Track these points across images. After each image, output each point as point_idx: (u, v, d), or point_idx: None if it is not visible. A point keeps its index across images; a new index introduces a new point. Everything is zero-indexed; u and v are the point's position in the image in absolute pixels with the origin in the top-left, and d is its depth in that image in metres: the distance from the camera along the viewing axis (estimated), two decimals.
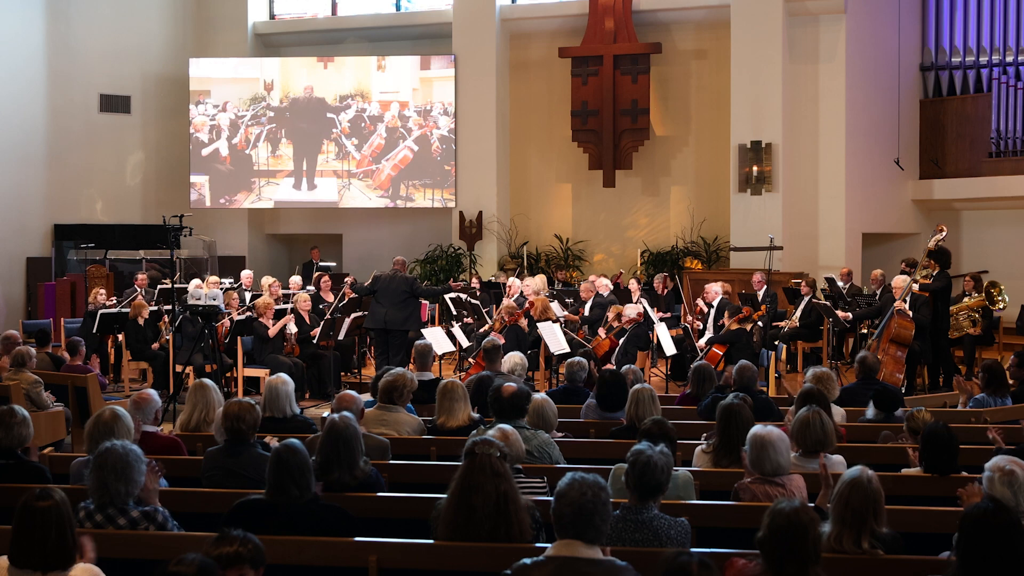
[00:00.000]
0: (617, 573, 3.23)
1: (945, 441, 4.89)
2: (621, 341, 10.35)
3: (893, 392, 6.91)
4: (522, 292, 11.92)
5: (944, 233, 10.49)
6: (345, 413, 4.75)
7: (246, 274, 13.36)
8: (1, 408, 4.94)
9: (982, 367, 7.62)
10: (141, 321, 11.13)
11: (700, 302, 11.71)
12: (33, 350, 8.59)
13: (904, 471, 5.07)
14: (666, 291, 13.18)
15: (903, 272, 10.68)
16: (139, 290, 12.39)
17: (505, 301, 11.30)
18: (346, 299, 11.78)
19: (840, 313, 11.00)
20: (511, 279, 12.99)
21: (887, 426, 6.20)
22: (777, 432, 4.65)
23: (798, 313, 11.93)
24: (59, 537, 3.31)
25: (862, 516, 3.74)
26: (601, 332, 10.81)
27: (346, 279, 12.46)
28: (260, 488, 4.33)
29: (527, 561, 3.31)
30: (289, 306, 10.98)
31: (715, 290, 11.47)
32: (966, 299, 11.49)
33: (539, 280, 12.77)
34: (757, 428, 4.70)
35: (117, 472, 3.95)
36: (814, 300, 12.06)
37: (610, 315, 10.69)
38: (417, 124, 16.35)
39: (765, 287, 12.13)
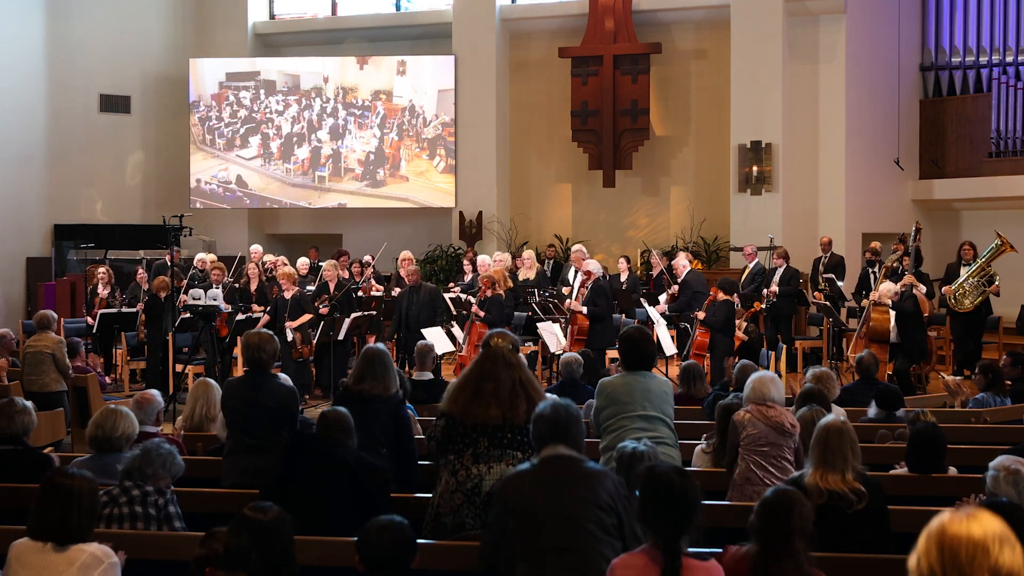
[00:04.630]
0: (598, 472, 3.61)
1: (932, 440, 4.90)
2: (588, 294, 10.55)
3: (895, 391, 6.92)
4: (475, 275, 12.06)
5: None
6: (379, 345, 5.16)
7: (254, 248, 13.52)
8: (1, 400, 5.14)
9: (980, 368, 7.65)
10: (162, 297, 11.14)
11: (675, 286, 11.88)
12: (54, 314, 8.77)
13: (891, 471, 5.09)
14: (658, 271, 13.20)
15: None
16: (140, 287, 12.41)
17: (482, 272, 11.55)
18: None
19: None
20: (476, 258, 12.96)
21: (886, 426, 6.21)
22: (769, 374, 5.14)
23: (776, 277, 12.01)
24: (79, 513, 3.45)
25: (843, 457, 4.01)
26: (577, 305, 10.74)
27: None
28: (280, 417, 5.06)
29: (516, 472, 3.70)
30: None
31: (683, 264, 11.55)
32: (964, 270, 11.39)
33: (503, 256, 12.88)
34: (753, 375, 5.21)
35: (163, 458, 4.27)
36: (814, 301, 12.11)
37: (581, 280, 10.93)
38: (417, 124, 16.35)
39: (756, 260, 12.46)
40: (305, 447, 4.46)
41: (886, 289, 10.13)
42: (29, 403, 5.13)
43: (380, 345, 4.76)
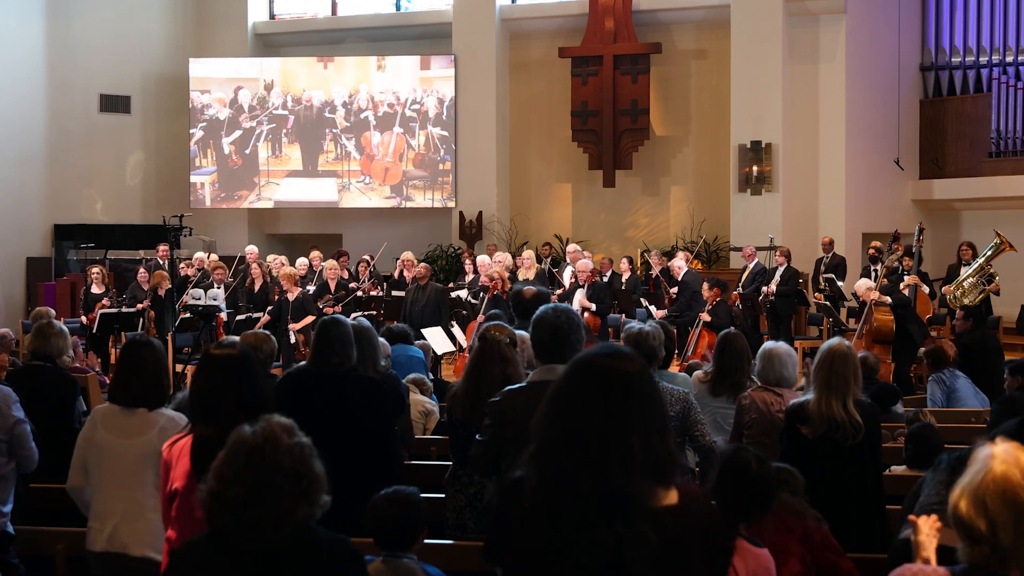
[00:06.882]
0: None
1: (927, 439, 4.92)
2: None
3: (891, 389, 6.93)
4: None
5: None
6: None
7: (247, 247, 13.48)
8: (41, 321, 5.52)
9: (924, 354, 8.09)
10: (162, 292, 11.12)
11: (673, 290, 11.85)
12: (52, 312, 8.86)
13: (891, 470, 5.09)
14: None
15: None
16: (141, 286, 12.41)
17: (484, 270, 11.51)
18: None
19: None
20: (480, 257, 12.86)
21: (884, 426, 6.20)
22: (785, 347, 4.89)
23: (776, 277, 12.04)
24: (155, 378, 3.72)
25: (846, 381, 3.97)
26: (586, 303, 10.74)
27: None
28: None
29: (511, 388, 3.62)
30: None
31: (678, 265, 11.55)
32: (964, 270, 11.40)
33: (504, 257, 12.83)
34: (767, 343, 4.96)
35: None
36: (814, 301, 12.13)
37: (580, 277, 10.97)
38: (416, 124, 16.35)
39: (756, 260, 12.45)
40: (302, 396, 4.15)
41: (862, 286, 10.07)
42: (65, 327, 5.40)
43: (339, 316, 4.37)
